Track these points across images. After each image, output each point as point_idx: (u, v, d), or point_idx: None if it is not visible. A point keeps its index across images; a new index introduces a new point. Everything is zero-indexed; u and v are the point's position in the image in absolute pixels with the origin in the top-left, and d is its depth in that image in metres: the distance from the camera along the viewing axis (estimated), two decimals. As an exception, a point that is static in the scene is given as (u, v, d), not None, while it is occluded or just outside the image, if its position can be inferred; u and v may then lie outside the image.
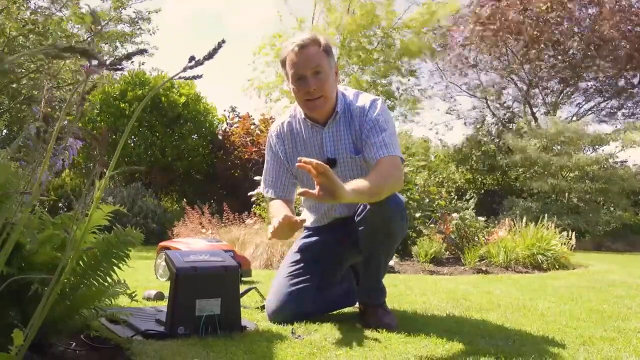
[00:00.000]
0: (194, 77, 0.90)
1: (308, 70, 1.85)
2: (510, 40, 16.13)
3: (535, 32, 15.50)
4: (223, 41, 0.90)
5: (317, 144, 2.00)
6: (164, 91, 10.85)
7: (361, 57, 14.25)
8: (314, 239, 2.14)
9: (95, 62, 0.75)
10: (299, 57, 1.85)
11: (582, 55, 15.74)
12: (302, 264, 2.06)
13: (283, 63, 1.92)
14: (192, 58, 0.88)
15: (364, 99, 1.97)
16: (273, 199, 2.07)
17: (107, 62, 0.77)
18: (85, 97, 0.92)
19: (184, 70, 0.88)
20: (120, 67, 0.78)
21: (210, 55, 0.88)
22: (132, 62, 12.82)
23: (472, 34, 16.25)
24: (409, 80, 16.20)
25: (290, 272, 2.05)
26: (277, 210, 1.92)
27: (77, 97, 0.94)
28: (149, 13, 12.71)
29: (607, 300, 2.87)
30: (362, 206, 1.87)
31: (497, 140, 15.67)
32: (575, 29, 15.67)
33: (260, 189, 2.16)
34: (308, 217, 2.24)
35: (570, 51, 15.85)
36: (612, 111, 18.16)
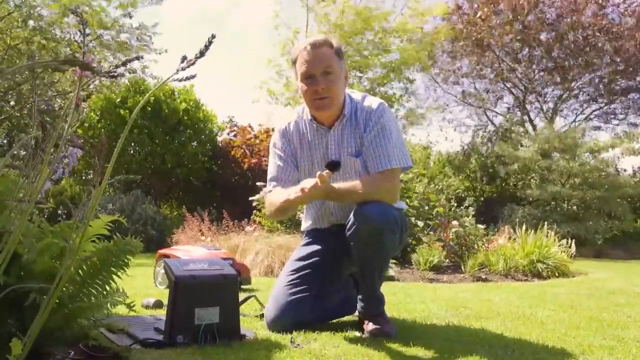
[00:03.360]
0: (188, 78, 0.90)
1: (318, 69, 1.87)
2: (494, 47, 16.24)
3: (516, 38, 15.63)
4: (213, 37, 0.89)
5: (322, 146, 2.01)
6: (165, 98, 10.86)
7: (358, 62, 14.35)
8: (313, 247, 2.14)
9: (91, 73, 0.75)
10: (310, 55, 1.88)
11: (571, 59, 15.81)
12: (301, 273, 2.05)
13: (294, 61, 1.95)
14: (184, 58, 0.88)
15: (371, 102, 1.98)
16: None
17: (104, 71, 0.77)
18: (79, 104, 0.92)
19: (177, 72, 0.88)
20: (116, 74, 0.78)
21: (201, 54, 0.88)
22: (135, 71, 12.87)
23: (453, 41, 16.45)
24: (408, 98, 16.36)
25: (290, 281, 2.04)
26: (289, 189, 1.89)
27: (71, 103, 0.94)
28: (153, 34, 12.63)
29: (607, 308, 2.87)
30: (350, 221, 1.86)
31: (494, 148, 15.70)
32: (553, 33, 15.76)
33: (266, 188, 2.13)
34: (306, 220, 2.24)
35: (557, 54, 15.91)
36: (610, 116, 18.22)
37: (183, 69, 0.87)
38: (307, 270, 2.06)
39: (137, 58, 0.85)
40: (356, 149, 1.96)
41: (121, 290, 1.53)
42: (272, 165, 2.08)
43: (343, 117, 1.96)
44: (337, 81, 1.90)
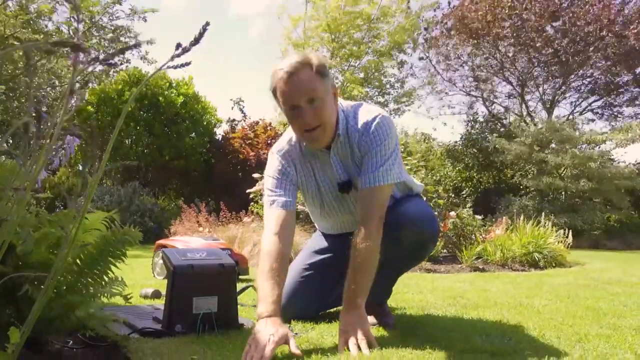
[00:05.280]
0: (183, 65, 0.88)
1: (301, 99, 1.66)
2: (489, 40, 16.26)
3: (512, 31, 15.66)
4: (207, 24, 0.87)
5: (327, 167, 1.86)
6: (162, 90, 10.82)
7: (353, 50, 14.36)
8: (329, 241, 2.13)
9: (84, 55, 0.74)
10: (289, 85, 1.66)
11: (572, 52, 15.80)
12: (317, 270, 2.05)
13: (274, 92, 1.71)
14: (178, 45, 0.87)
15: (364, 117, 1.78)
16: (275, 206, 1.82)
17: (100, 58, 0.76)
18: (74, 90, 0.91)
19: (172, 59, 0.87)
20: (112, 62, 0.77)
21: (196, 41, 0.86)
22: (128, 62, 12.89)
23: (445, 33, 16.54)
24: (400, 72, 16.46)
25: (305, 275, 2.05)
26: (264, 287, 1.63)
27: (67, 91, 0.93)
28: (144, 12, 12.75)
29: (603, 297, 2.89)
30: (392, 225, 1.73)
31: (489, 137, 15.73)
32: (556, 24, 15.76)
33: (265, 202, 1.89)
34: (315, 220, 2.22)
35: (559, 48, 15.90)
36: (607, 109, 18.24)
37: (178, 56, 0.86)
38: (322, 266, 2.06)
39: (135, 46, 0.84)
40: (357, 167, 1.82)
41: (120, 280, 1.53)
42: (270, 182, 1.86)
43: (338, 136, 1.79)
44: (324, 106, 1.69)
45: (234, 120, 12.61)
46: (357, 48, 14.65)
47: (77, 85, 0.94)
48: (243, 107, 12.67)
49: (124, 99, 10.51)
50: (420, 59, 17.71)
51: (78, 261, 1.45)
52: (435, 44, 17.32)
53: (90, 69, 0.86)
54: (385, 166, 1.72)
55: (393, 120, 1.91)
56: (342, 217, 1.99)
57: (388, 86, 16.57)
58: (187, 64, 0.87)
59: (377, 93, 17.10)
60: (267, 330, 1.47)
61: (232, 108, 12.70)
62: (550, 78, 17.33)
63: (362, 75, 15.34)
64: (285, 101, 1.69)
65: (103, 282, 1.49)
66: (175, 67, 0.85)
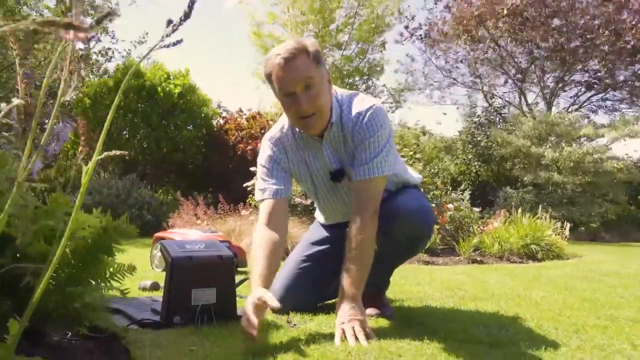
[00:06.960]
0: (175, 44, 0.87)
1: (297, 85, 1.64)
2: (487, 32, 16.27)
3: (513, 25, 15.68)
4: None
5: (319, 156, 1.85)
6: (159, 82, 10.77)
7: (336, 39, 14.21)
8: (327, 231, 2.13)
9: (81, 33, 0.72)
10: (285, 71, 1.64)
11: (570, 49, 15.82)
12: (314, 261, 2.05)
13: (269, 77, 1.70)
14: (169, 22, 0.85)
15: (358, 107, 1.76)
16: (266, 195, 1.83)
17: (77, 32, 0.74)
18: (72, 72, 0.89)
19: (162, 38, 0.85)
20: (91, 35, 0.75)
21: (186, 16, 0.85)
22: (129, 53, 12.87)
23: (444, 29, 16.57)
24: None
25: (302, 267, 2.05)
26: (258, 266, 1.68)
27: (58, 67, 0.90)
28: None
29: (601, 289, 2.90)
30: (387, 218, 1.72)
31: (488, 131, 15.74)
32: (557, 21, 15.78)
33: (256, 196, 1.91)
34: (317, 209, 2.22)
35: (557, 44, 15.91)
36: (607, 103, 18.26)
37: (168, 35, 0.85)
38: (320, 258, 2.06)
39: (110, 14, 0.81)
40: (350, 157, 1.81)
41: (127, 267, 1.50)
42: (261, 172, 1.87)
43: (331, 125, 1.78)
44: (320, 93, 1.67)
45: (219, 106, 12.75)
46: (342, 33, 14.43)
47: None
48: (226, 108, 12.89)
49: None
50: (424, 52, 17.68)
51: (76, 254, 1.44)
52: (436, 44, 17.32)
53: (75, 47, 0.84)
54: (379, 158, 1.71)
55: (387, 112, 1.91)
56: (336, 207, 2.00)
57: (378, 68, 16.42)
58: (179, 41, 0.86)
59: (365, 79, 16.88)
60: (249, 300, 1.53)
61: (222, 113, 12.93)
62: (549, 72, 17.33)
63: (347, 66, 15.19)
64: (280, 87, 1.67)
65: (103, 274, 1.49)
66: (167, 46, 0.84)
